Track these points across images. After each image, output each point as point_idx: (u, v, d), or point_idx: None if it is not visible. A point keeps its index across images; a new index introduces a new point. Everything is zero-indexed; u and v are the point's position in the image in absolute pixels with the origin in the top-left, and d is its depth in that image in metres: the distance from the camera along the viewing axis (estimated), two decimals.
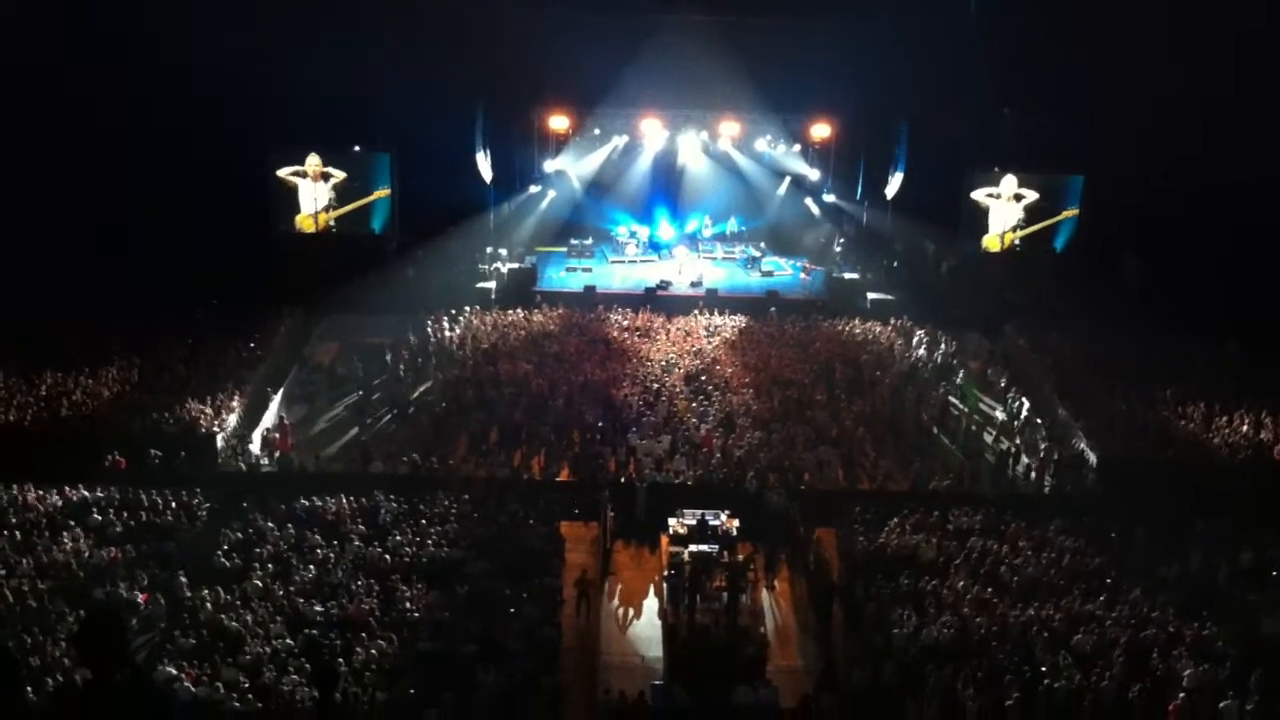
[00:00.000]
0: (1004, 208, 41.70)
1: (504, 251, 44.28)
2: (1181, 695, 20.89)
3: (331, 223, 41.40)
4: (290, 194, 41.19)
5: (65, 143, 37.69)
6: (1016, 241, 41.90)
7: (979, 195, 41.60)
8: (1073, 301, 39.59)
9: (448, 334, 38.20)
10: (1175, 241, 39.60)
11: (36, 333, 35.45)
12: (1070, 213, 41.59)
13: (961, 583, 24.70)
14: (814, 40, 40.03)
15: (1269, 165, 36.89)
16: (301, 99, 37.82)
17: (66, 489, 27.24)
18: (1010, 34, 38.56)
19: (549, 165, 46.62)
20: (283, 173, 40.83)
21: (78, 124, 37.78)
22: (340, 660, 21.15)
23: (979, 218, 41.99)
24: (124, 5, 36.00)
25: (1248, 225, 38.33)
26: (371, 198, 41.55)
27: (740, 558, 25.85)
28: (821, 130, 45.32)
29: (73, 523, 25.92)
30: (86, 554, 24.67)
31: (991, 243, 42.10)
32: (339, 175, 41.25)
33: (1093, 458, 30.96)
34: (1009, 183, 41.35)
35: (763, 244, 47.54)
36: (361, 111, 40.11)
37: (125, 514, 26.30)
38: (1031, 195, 41.64)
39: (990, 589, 24.48)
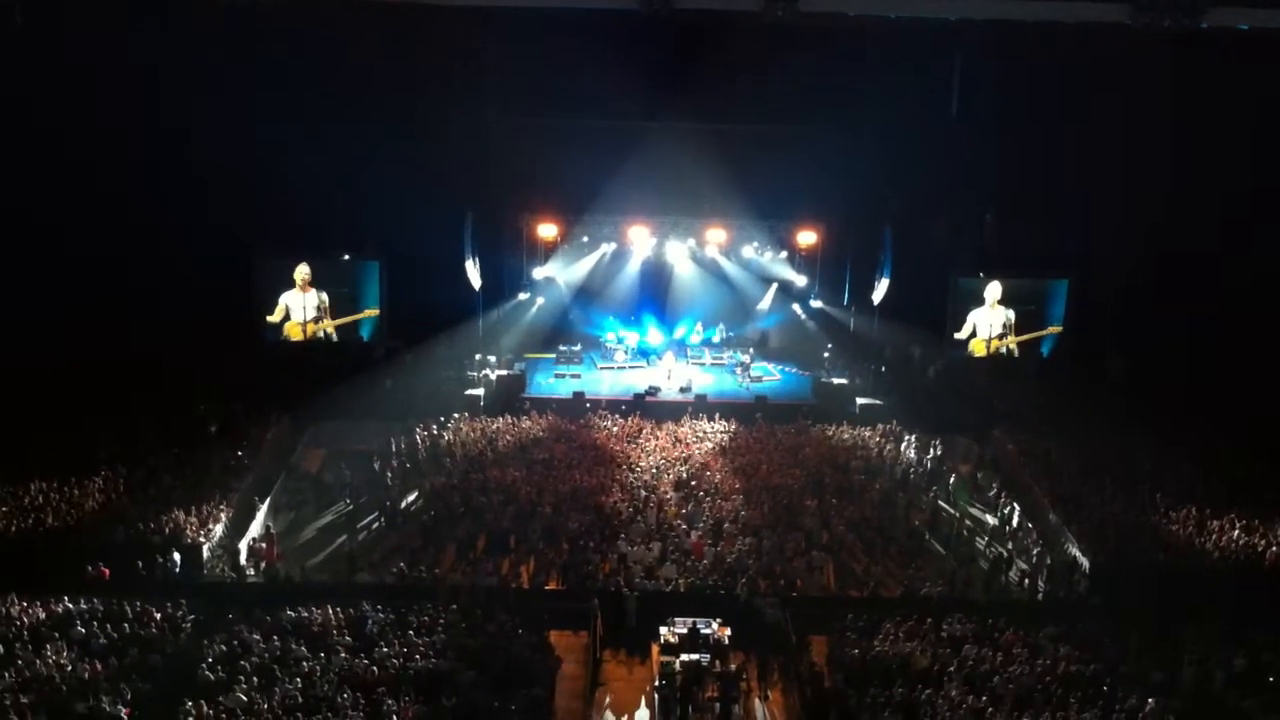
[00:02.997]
0: (990, 313, 42.00)
1: (493, 358, 44.35)
2: None
3: (320, 334, 41.43)
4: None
5: (55, 247, 38.06)
6: (1002, 349, 42.15)
7: (967, 327, 42.05)
8: (1060, 405, 39.73)
9: (436, 441, 38.10)
10: (1162, 342, 40.04)
11: (21, 442, 35.23)
12: (1054, 329, 41.93)
13: (955, 692, 24.38)
14: (799, 148, 40.63)
15: (1253, 260, 37.66)
16: (291, 208, 38.20)
17: (50, 601, 26.84)
18: (991, 140, 39.18)
19: (537, 272, 47.03)
20: (275, 315, 41.08)
21: (66, 224, 38.10)
22: None
23: (965, 323, 42.25)
24: (115, 108, 36.37)
25: (1237, 322, 38.88)
26: (361, 315, 41.62)
27: (732, 667, 25.57)
28: (808, 237, 45.86)
29: (56, 635, 25.50)
30: (69, 667, 24.26)
31: (978, 347, 42.33)
32: (325, 297, 41.46)
33: (1085, 563, 30.78)
34: (993, 289, 41.70)
35: (751, 349, 47.73)
36: (351, 220, 40.43)
37: (109, 626, 25.88)
38: (1013, 313, 42.08)
39: (984, 698, 24.15)
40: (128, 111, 36.57)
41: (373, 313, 41.59)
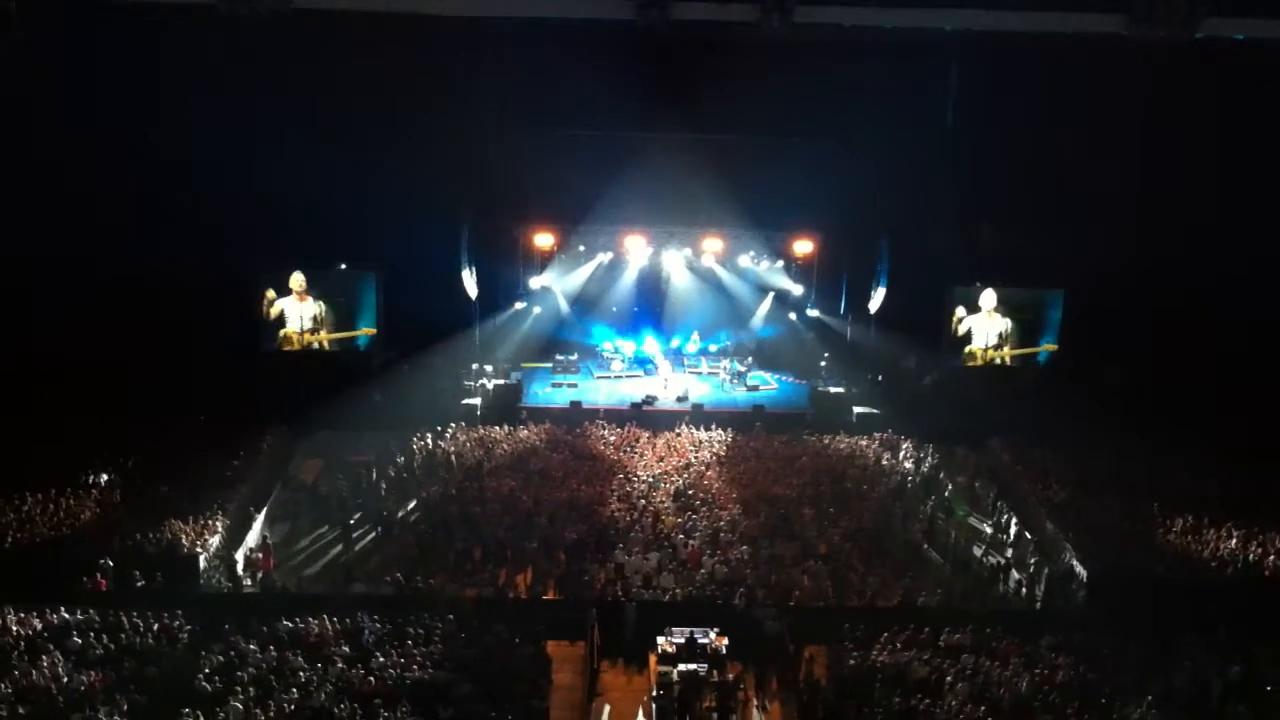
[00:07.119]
0: (986, 322, 42.01)
1: (489, 368, 44.33)
2: None
3: (315, 344, 41.38)
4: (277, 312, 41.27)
5: (51, 254, 37.93)
6: (998, 360, 42.17)
7: (963, 324, 41.98)
8: (1057, 414, 39.69)
9: (433, 451, 38.03)
10: (1158, 350, 40.04)
11: (17, 451, 35.13)
12: (1049, 347, 42.01)
13: (954, 701, 24.36)
14: (795, 158, 40.61)
15: (1249, 269, 37.72)
16: (287, 216, 38.12)
17: (46, 611, 26.76)
18: (988, 149, 39.20)
19: (534, 282, 47.01)
20: (274, 308, 40.90)
21: (62, 231, 37.98)
22: None
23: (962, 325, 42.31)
24: (114, 116, 36.32)
25: (1234, 331, 38.93)
26: (358, 332, 41.58)
27: (730, 677, 25.52)
28: (804, 246, 45.82)
29: (52, 646, 25.42)
30: (65, 679, 24.18)
31: (974, 356, 42.30)
32: (321, 307, 41.39)
33: (1083, 572, 30.74)
34: (988, 297, 41.72)
35: (749, 359, 47.71)
36: (347, 229, 40.34)
37: (105, 637, 25.83)
38: (1009, 322, 42.10)
39: (983, 708, 24.13)
40: (127, 119, 36.49)
41: (369, 331, 41.53)
